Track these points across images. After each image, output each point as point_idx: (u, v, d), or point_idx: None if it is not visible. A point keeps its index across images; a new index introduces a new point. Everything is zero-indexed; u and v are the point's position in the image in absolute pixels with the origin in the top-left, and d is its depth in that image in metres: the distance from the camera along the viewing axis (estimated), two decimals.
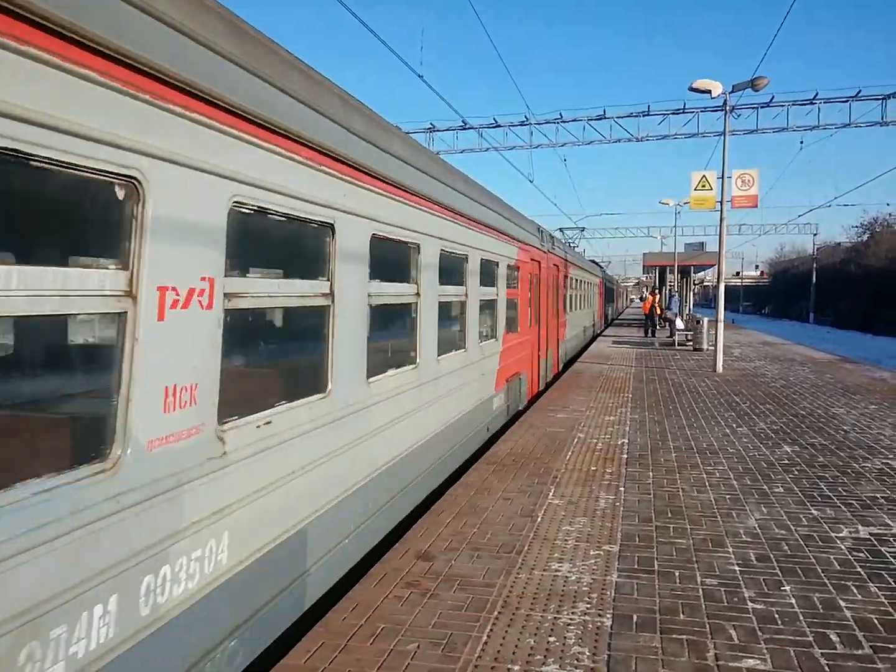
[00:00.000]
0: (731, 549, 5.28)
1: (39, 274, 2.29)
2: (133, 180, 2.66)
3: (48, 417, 3.25)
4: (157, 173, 2.76)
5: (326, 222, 4.30)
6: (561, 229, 36.49)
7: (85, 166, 2.44)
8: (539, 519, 5.98)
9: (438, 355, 6.83)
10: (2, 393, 3.15)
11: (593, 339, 30.33)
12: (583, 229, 39.45)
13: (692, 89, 17.27)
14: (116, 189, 2.64)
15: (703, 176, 20.40)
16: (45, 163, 2.30)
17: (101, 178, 2.54)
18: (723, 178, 18.32)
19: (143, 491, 2.73)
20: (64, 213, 2.81)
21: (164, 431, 2.88)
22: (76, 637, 2.37)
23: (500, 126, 30.96)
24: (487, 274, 9.02)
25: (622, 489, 6.90)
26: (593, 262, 40.38)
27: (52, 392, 3.31)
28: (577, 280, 22.59)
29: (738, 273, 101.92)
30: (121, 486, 2.61)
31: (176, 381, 2.95)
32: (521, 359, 11.50)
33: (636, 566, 4.96)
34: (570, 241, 35.71)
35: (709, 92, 17.17)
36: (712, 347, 19.34)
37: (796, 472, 7.58)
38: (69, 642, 2.34)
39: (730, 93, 17.46)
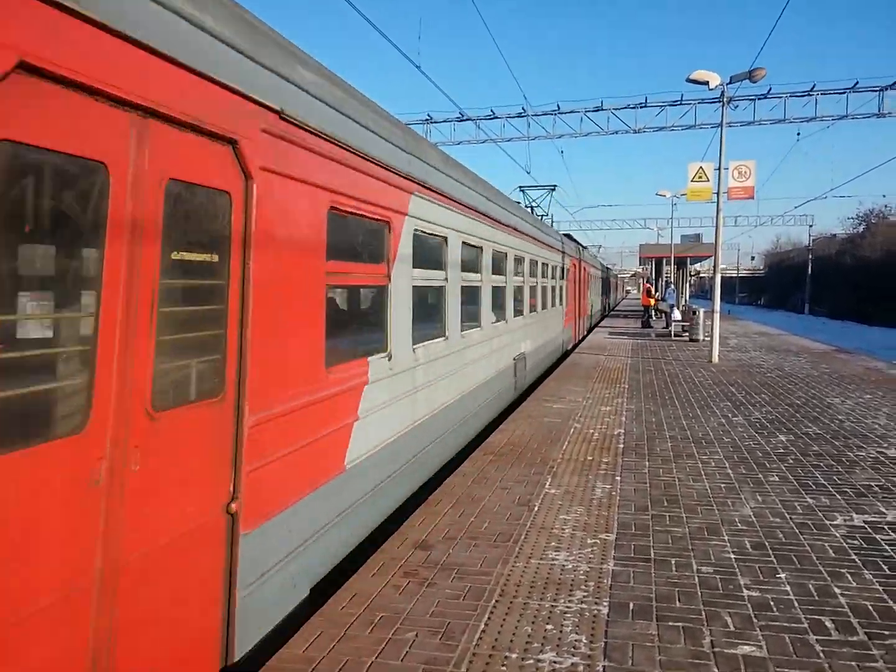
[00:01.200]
0: (726, 538, 5.31)
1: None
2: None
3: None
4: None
5: None
6: (521, 188, 26.57)
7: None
8: (536, 508, 6.00)
9: None
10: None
11: (564, 355, 19.93)
12: (553, 188, 26.38)
13: (690, 81, 17.20)
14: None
15: (700, 167, 20.43)
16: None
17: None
18: (719, 169, 18.29)
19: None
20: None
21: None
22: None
23: (497, 118, 30.82)
24: None
25: (618, 478, 6.93)
26: (568, 237, 25.59)
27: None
28: (500, 251, 10.42)
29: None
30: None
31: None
32: None
33: (632, 554, 4.98)
34: (532, 204, 25.89)
35: (706, 83, 17.10)
36: (708, 338, 19.40)
37: (791, 461, 7.62)
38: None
39: (727, 84, 17.40)
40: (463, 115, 30.16)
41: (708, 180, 20.26)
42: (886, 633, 3.85)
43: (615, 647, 3.71)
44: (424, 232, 6.66)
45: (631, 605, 4.18)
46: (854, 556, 4.95)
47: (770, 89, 27.59)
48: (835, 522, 5.67)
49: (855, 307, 61.59)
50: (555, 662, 3.55)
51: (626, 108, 29.66)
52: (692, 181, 20.49)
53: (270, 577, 3.77)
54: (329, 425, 4.56)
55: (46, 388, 2.57)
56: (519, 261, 12.19)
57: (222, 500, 3.40)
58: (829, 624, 3.96)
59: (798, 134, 31.12)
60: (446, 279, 7.54)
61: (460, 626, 3.92)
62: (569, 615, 4.06)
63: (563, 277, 19.46)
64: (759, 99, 27.92)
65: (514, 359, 11.86)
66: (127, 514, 2.78)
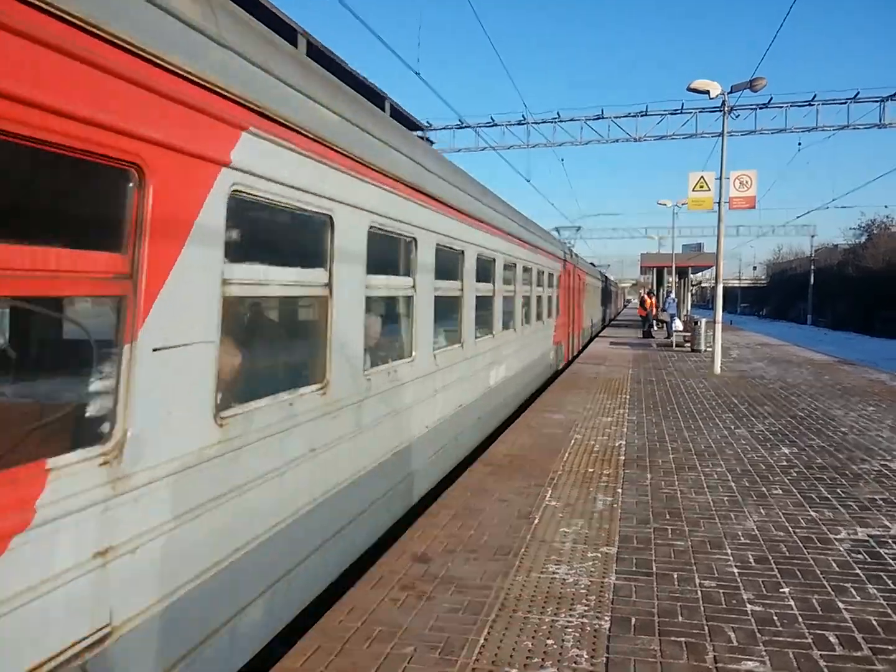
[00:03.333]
0: (729, 551, 5.26)
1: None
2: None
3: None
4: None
5: None
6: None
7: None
8: (536, 521, 5.95)
9: None
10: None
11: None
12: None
13: (691, 90, 17.25)
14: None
15: (701, 177, 20.38)
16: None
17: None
18: (721, 178, 18.31)
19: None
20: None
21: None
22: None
23: (497, 125, 30.92)
24: None
25: (620, 491, 6.88)
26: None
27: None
28: None
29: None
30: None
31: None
32: None
33: (634, 568, 4.93)
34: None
35: (707, 92, 17.15)
36: (710, 349, 19.36)
37: (794, 474, 7.56)
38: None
39: (728, 93, 17.45)
40: (462, 123, 30.22)
41: (709, 190, 20.21)
42: (891, 647, 3.79)
43: (617, 662, 3.65)
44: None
45: (633, 620, 4.13)
46: (858, 571, 4.89)
47: (771, 99, 27.73)
48: (839, 536, 5.62)
49: (857, 318, 61.48)
50: None
51: (626, 116, 29.80)
52: (693, 190, 20.45)
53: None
54: None
55: None
56: None
57: None
58: (832, 639, 3.91)
59: (799, 144, 31.20)
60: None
61: (459, 641, 3.87)
62: (570, 630, 4.01)
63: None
64: (760, 108, 28.03)
65: None
66: None
